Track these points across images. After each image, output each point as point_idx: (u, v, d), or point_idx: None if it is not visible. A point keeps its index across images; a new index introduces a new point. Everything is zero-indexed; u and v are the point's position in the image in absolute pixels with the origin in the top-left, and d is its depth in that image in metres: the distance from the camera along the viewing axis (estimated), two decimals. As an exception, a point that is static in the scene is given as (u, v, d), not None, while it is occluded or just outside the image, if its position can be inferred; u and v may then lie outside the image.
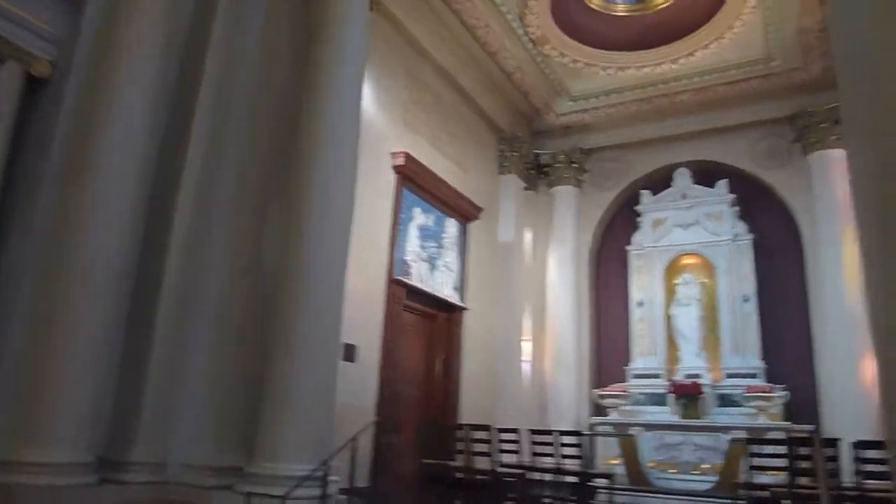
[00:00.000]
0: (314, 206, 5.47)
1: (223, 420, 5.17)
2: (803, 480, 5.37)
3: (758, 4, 7.85)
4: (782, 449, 5.49)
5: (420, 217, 8.39)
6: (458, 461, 6.67)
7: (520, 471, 6.27)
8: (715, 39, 8.55)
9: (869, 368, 8.31)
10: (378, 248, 7.55)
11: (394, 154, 7.89)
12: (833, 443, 5.35)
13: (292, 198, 5.56)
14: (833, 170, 9.14)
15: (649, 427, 8.83)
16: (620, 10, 8.56)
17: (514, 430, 6.72)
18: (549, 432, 6.95)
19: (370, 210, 7.27)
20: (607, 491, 6.50)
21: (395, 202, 7.92)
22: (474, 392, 9.06)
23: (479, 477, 6.31)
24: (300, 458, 4.87)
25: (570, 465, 6.73)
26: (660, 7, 8.36)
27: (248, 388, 5.25)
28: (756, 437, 7.87)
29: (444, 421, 8.21)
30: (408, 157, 7.96)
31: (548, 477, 6.73)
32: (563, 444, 6.78)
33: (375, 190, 7.47)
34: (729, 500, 6.35)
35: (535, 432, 7.08)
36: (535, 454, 7.00)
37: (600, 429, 9.06)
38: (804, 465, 5.32)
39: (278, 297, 5.32)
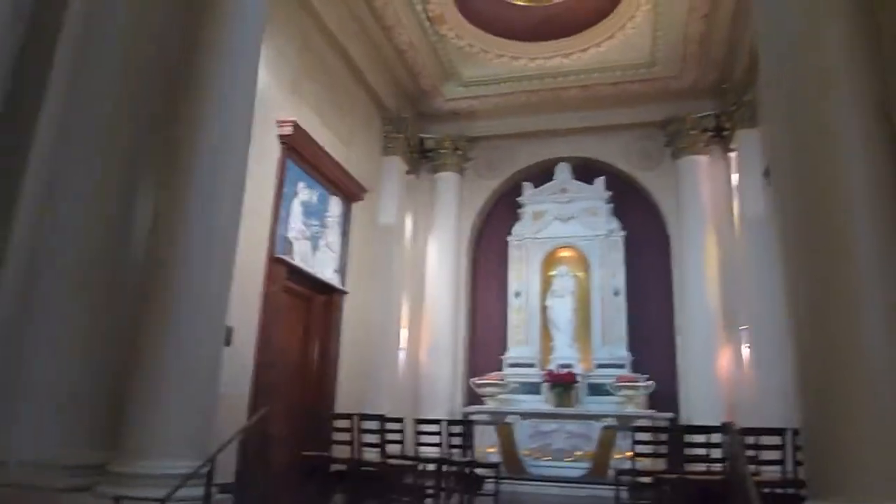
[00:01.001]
0: (203, 170, 4.83)
1: (80, 411, 4.38)
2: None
3: (651, 9, 8.11)
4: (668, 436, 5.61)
5: (304, 192, 7.82)
6: (338, 452, 6.28)
7: (408, 461, 5.99)
8: (607, 38, 8.76)
9: (723, 360, 8.98)
10: (259, 222, 6.91)
11: (281, 122, 7.26)
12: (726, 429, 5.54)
13: (175, 158, 4.87)
14: (699, 175, 9.76)
15: (525, 415, 8.93)
16: (519, 0, 8.52)
17: (398, 420, 6.43)
18: (436, 421, 6.74)
19: (251, 180, 6.55)
20: (493, 480, 6.40)
21: (279, 174, 7.30)
22: (348, 379, 8.64)
23: (364, 468, 5.96)
24: (180, 453, 4.26)
25: (457, 454, 6.58)
26: (556, 1, 8.41)
27: (113, 373, 4.52)
28: (626, 425, 8.25)
29: (320, 409, 7.75)
30: (296, 127, 7.36)
31: (431, 467, 6.51)
32: (451, 434, 6.61)
33: (258, 158, 6.75)
34: (611, 486, 6.49)
35: (420, 421, 6.85)
36: (420, 444, 6.77)
37: (476, 418, 9.01)
38: (695, 452, 5.52)
39: (155, 271, 4.63)
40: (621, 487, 6.03)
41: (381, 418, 6.06)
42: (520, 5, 8.51)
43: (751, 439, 5.49)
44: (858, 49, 3.84)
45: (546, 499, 7.02)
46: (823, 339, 3.51)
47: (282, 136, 7.28)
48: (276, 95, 7.30)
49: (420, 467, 6.12)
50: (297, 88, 7.76)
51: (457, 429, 6.67)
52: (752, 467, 5.17)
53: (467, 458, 6.42)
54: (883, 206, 3.53)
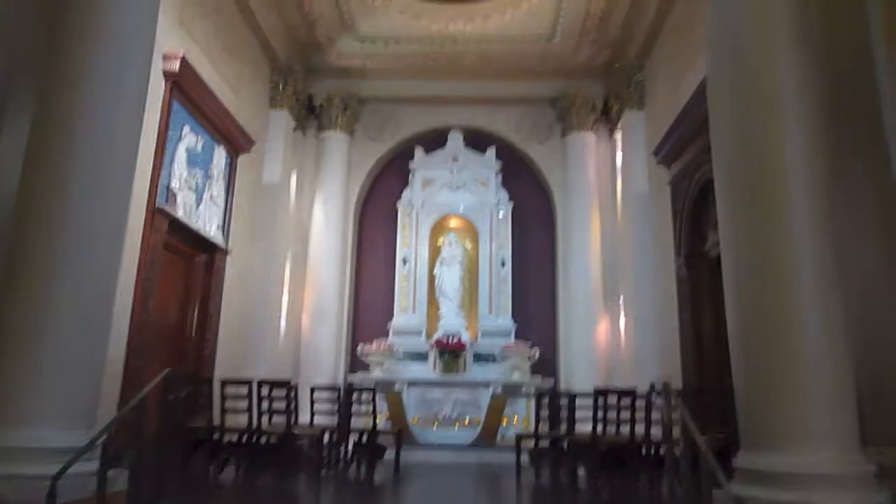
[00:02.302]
0: (88, 100, 4.20)
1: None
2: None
3: (558, -21, 8.14)
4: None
5: (189, 138, 7.05)
6: (228, 421, 5.79)
7: (312, 431, 5.65)
8: (512, 6, 8.69)
9: (602, 329, 9.42)
10: (140, 166, 6.10)
11: (167, 56, 6.46)
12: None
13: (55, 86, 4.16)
14: (586, 153, 10.08)
15: (412, 383, 8.82)
16: (429, -45, 8.22)
17: (285, 384, 5.98)
18: (334, 388, 6.43)
19: (132, 118, 5.81)
20: (393, 448, 6.23)
21: (162, 114, 6.50)
22: (226, 343, 8.03)
23: (262, 439, 5.54)
24: (68, 424, 3.66)
25: (356, 423, 6.34)
26: (467, -39, 8.21)
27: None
28: (511, 392, 8.43)
29: (197, 374, 7.12)
30: (184, 63, 6.59)
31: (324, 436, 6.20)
32: (350, 402, 6.34)
33: (140, 94, 6.00)
34: (506, 451, 6.56)
35: (316, 389, 6.50)
36: (315, 412, 6.44)
37: (363, 386, 8.76)
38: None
39: (32, 217, 3.95)
40: (522, 453, 6.10)
41: (286, 384, 5.63)
42: (429, -39, 8.21)
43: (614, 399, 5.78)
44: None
45: (440, 466, 6.97)
46: (757, 302, 3.68)
47: (167, 72, 6.48)
48: (162, 24, 6.46)
49: (321, 437, 5.78)
50: (184, 21, 6.95)
51: (355, 396, 6.39)
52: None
53: (370, 427, 6.19)
54: (814, 172, 3.74)
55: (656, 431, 5.55)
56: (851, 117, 4.24)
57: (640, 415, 5.62)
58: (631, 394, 5.52)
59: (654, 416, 5.41)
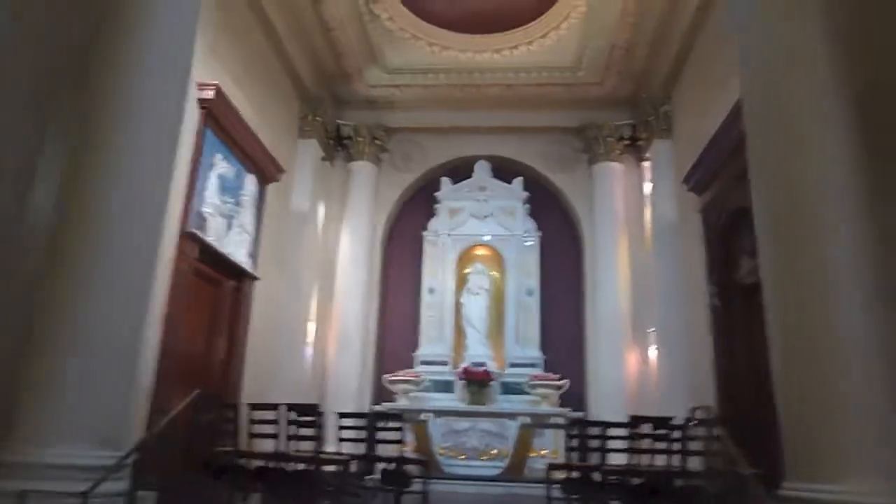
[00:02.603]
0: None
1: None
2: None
3: (585, 11, 8.21)
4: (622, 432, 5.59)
5: (222, 165, 7.16)
6: (254, 446, 5.73)
7: (340, 458, 5.56)
8: (539, 37, 8.79)
9: (631, 361, 9.24)
10: (172, 192, 6.18)
11: (202, 85, 6.60)
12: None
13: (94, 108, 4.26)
14: (614, 182, 10.03)
15: (438, 413, 8.69)
16: (457, -11, 8.37)
17: (314, 408, 5.92)
18: (362, 415, 6.34)
19: (167, 145, 5.92)
20: (420, 479, 6.10)
21: (196, 142, 6.62)
22: (251, 372, 8.01)
23: (288, 466, 5.46)
24: (96, 440, 3.64)
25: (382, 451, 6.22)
26: (496, -7, 8.35)
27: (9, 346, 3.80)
28: (541, 422, 8.26)
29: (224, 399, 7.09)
30: (218, 91, 6.73)
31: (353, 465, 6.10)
32: (377, 429, 6.23)
33: (175, 122, 6.11)
34: (536, 484, 6.39)
35: (343, 415, 6.41)
36: (342, 439, 6.34)
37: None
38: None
39: (67, 239, 4.01)
40: (553, 485, 5.92)
41: (315, 409, 5.57)
42: (456, -6, 8.36)
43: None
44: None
45: (467, 497, 6.81)
46: (801, 328, 3.55)
47: (202, 101, 6.62)
48: (195, 55, 6.62)
49: (347, 464, 5.68)
50: (217, 52, 7.11)
51: (383, 423, 6.29)
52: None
53: (398, 455, 6.07)
54: (857, 195, 3.65)
55: (692, 462, 5.39)
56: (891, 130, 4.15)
57: (674, 445, 5.47)
58: (667, 422, 5.35)
59: (691, 446, 5.24)
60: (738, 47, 4.60)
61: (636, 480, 5.41)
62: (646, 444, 5.47)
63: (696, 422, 4.59)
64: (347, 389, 9.34)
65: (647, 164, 9.75)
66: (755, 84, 4.30)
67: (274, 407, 5.54)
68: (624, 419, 8.25)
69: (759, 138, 4.26)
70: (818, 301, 3.51)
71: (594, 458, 5.94)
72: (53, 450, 3.48)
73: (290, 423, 5.57)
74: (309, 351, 9.35)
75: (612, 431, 5.84)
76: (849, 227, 3.59)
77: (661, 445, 5.46)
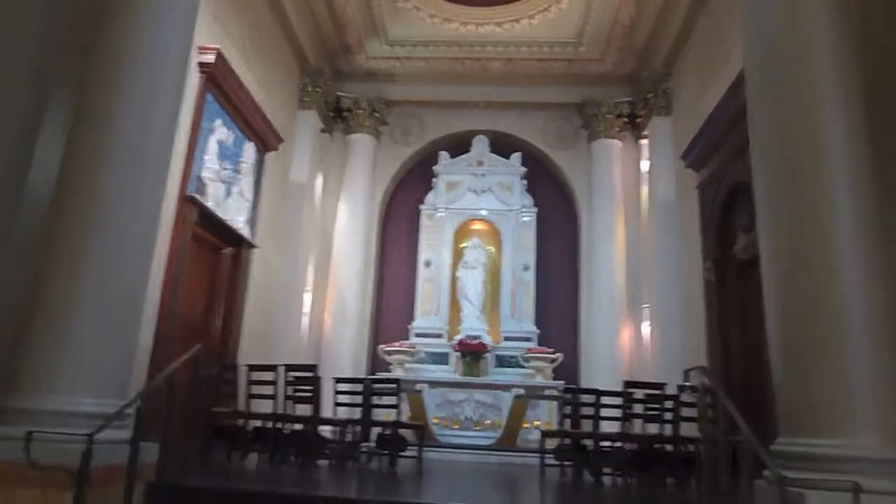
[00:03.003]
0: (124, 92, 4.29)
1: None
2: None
3: (589, -15, 8.20)
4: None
5: (221, 131, 7.14)
6: (250, 407, 5.79)
7: (337, 420, 5.63)
8: (541, 11, 8.76)
9: (625, 336, 9.33)
10: (173, 155, 6.17)
11: (203, 49, 6.57)
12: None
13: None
14: (613, 159, 10.06)
15: (433, 384, 8.77)
16: (461, -41, 8.32)
17: (311, 368, 5.96)
18: (359, 380, 6.41)
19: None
20: (416, 445, 6.18)
21: (196, 105, 6.60)
22: (247, 339, 8.05)
23: (286, 428, 5.53)
24: (99, 389, 3.68)
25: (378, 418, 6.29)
26: (498, -34, 8.31)
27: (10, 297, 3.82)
28: (535, 394, 8.35)
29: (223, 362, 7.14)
30: (220, 56, 6.70)
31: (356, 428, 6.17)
32: (374, 394, 6.29)
33: (176, 85, 6.08)
34: (531, 454, 6.48)
35: (340, 380, 6.47)
36: (338, 404, 6.40)
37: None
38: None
39: (71, 195, 4.03)
40: (546, 454, 6.01)
41: (313, 369, 5.63)
42: (459, -35, 8.32)
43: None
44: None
45: (461, 465, 6.90)
46: (797, 288, 3.61)
47: (203, 65, 6.59)
48: (198, 19, 6.57)
49: (345, 426, 5.76)
50: (219, 17, 7.06)
51: (380, 388, 6.36)
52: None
53: (394, 419, 6.15)
54: (858, 161, 3.69)
55: (686, 429, 5.48)
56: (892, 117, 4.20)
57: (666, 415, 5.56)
58: (660, 388, 5.44)
59: (684, 412, 5.33)
60: (742, 17, 4.61)
61: (629, 447, 5.52)
62: (639, 410, 5.55)
63: (690, 384, 4.66)
64: (343, 360, 9.39)
65: (644, 141, 9.77)
66: (757, 54, 4.32)
67: (272, 368, 5.59)
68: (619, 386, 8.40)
69: (760, 110, 4.28)
70: (816, 268, 3.57)
71: (587, 428, 6.03)
72: (58, 397, 3.53)
73: (288, 383, 5.62)
74: (305, 321, 9.39)
75: (605, 400, 5.92)
76: (848, 192, 3.64)
77: (654, 413, 5.55)
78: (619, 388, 8.47)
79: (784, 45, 4.08)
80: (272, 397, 5.55)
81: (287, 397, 5.63)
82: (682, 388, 5.32)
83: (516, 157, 10.37)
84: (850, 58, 3.94)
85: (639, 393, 5.56)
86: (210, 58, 6.58)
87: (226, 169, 7.29)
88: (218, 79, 6.82)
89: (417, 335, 9.57)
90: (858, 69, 4.00)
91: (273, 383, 5.53)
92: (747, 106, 4.53)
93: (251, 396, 5.64)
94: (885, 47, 4.38)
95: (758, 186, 4.24)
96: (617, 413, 5.81)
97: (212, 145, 6.93)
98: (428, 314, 9.74)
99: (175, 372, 3.95)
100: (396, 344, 9.24)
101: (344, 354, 9.45)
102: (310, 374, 5.61)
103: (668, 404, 5.65)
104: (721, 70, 7.24)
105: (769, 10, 4.25)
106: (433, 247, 10.08)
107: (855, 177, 3.69)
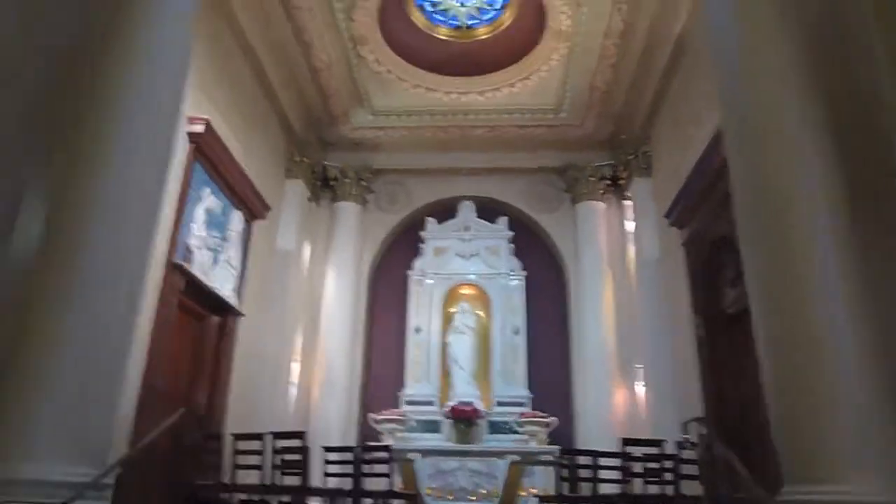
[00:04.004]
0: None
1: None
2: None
3: (566, 53, 8.51)
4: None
5: (209, 200, 7.17)
6: (236, 479, 5.56)
7: (327, 491, 5.42)
8: (522, 79, 9.05)
9: (619, 398, 9.18)
10: (160, 222, 6.17)
11: (192, 119, 6.68)
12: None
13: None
14: (597, 221, 10.19)
15: (426, 453, 8.52)
16: (442, 33, 8.64)
17: (299, 435, 5.77)
18: (349, 449, 6.21)
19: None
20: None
21: (185, 175, 6.65)
22: (235, 411, 7.82)
23: (274, 501, 5.30)
24: (74, 460, 3.53)
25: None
26: (479, 38, 8.63)
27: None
28: (531, 460, 8.13)
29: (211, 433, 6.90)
30: (208, 126, 6.81)
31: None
32: (364, 462, 6.08)
33: (163, 155, 6.15)
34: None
35: (329, 450, 6.26)
36: (328, 474, 6.17)
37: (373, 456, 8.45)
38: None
39: (52, 260, 3.99)
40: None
41: (301, 436, 5.45)
42: (442, 38, 8.63)
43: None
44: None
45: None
46: (788, 338, 3.61)
47: (191, 134, 6.69)
48: (186, 93, 6.72)
49: (335, 497, 5.53)
50: (207, 91, 7.22)
51: (371, 457, 6.16)
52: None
53: (387, 489, 5.92)
54: (837, 206, 3.75)
55: (687, 488, 5.32)
56: (865, 163, 4.31)
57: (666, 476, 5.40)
58: (658, 444, 5.30)
59: (684, 470, 5.19)
60: (714, 79, 4.79)
61: (630, 508, 5.33)
62: (638, 470, 5.39)
63: (688, 437, 4.55)
64: (332, 430, 9.13)
65: (628, 203, 9.93)
66: (734, 109, 4.46)
67: (259, 437, 5.41)
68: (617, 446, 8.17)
69: (739, 166, 4.38)
70: (807, 313, 3.57)
71: (586, 492, 5.83)
72: (31, 465, 3.37)
73: (276, 452, 5.43)
74: (293, 391, 9.19)
75: (604, 461, 5.76)
76: (830, 238, 3.69)
77: (653, 472, 5.39)
78: (616, 449, 8.35)
79: (754, 103, 4.22)
80: (259, 468, 5.34)
81: (275, 467, 5.42)
82: (681, 445, 5.19)
83: (503, 221, 10.47)
84: (823, 111, 4.07)
85: (637, 451, 5.41)
86: (199, 128, 6.69)
87: (213, 237, 7.28)
88: (206, 149, 6.91)
89: (408, 403, 9.36)
90: (826, 120, 4.14)
91: (260, 453, 5.34)
92: (728, 162, 4.63)
93: (237, 467, 5.43)
94: (855, 92, 4.53)
95: (743, 242, 4.29)
96: (616, 475, 5.64)
97: (199, 214, 6.95)
98: (418, 381, 9.57)
99: (157, 440, 3.80)
100: (387, 412, 9.02)
101: (333, 424, 9.20)
102: (298, 444, 5.42)
103: (668, 463, 5.50)
104: (698, 130, 7.45)
105: (738, 70, 4.42)
106: (422, 313, 10.00)
107: (836, 220, 3.75)
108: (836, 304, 3.52)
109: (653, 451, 5.40)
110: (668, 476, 5.41)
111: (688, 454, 5.10)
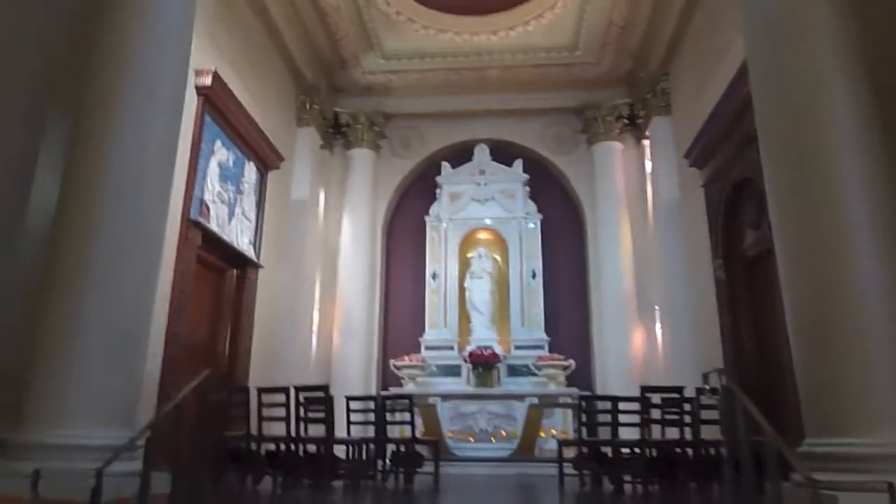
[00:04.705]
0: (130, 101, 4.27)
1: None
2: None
3: (582, -12, 8.16)
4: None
5: (221, 152, 7.10)
6: (263, 430, 5.71)
7: (351, 440, 5.54)
8: (535, 17, 8.71)
9: (637, 340, 9.22)
10: (174, 179, 6.13)
11: (199, 71, 6.53)
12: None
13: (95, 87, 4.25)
14: (614, 161, 9.99)
15: (446, 397, 8.68)
16: (452, -30, 8.31)
17: (323, 389, 5.87)
18: (371, 398, 6.33)
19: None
20: (431, 460, 6.09)
21: (195, 129, 6.56)
22: (256, 360, 7.96)
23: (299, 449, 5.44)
24: (107, 421, 3.62)
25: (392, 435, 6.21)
26: (490, -26, 8.29)
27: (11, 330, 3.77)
28: (550, 402, 8.25)
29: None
30: (216, 77, 6.67)
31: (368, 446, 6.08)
32: (386, 411, 6.22)
33: (173, 108, 6.05)
34: (548, 463, 6.37)
35: (352, 399, 6.39)
36: (351, 423, 6.32)
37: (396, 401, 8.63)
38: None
39: (72, 225, 3.98)
40: (564, 463, 5.91)
41: (324, 389, 5.55)
42: (450, -24, 8.30)
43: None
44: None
45: (479, 478, 6.80)
46: (815, 281, 3.54)
47: (199, 87, 6.56)
48: (193, 42, 6.54)
49: (359, 446, 5.67)
50: (214, 39, 7.04)
51: (390, 407, 6.28)
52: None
53: (408, 435, 6.06)
54: (870, 145, 3.62)
55: (706, 433, 5.38)
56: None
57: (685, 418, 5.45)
58: (678, 391, 5.34)
59: (703, 414, 5.23)
60: (741, 7, 4.56)
61: (649, 453, 5.41)
62: (657, 416, 5.45)
63: (708, 387, 4.57)
64: (353, 376, 9.30)
65: (646, 142, 9.71)
66: (759, 44, 4.26)
67: (283, 390, 5.51)
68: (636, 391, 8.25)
69: (766, 101, 4.22)
70: (834, 262, 3.49)
71: (605, 435, 5.93)
72: (65, 430, 3.47)
73: (300, 405, 5.54)
74: (314, 338, 9.32)
75: (623, 406, 5.82)
76: (860, 175, 3.57)
77: (672, 417, 5.44)
78: (634, 393, 8.41)
79: (786, 31, 4.02)
80: (285, 419, 5.47)
81: (299, 418, 5.54)
82: (700, 391, 5.22)
83: (518, 164, 10.31)
84: (854, 39, 3.88)
85: (656, 398, 5.46)
86: (206, 80, 6.55)
87: (228, 190, 7.25)
88: (215, 100, 6.79)
89: (428, 348, 9.49)
90: (862, 51, 3.94)
91: (285, 405, 5.45)
92: (753, 98, 4.46)
93: (263, 419, 5.56)
94: (887, 26, 4.30)
95: (768, 179, 4.17)
96: (635, 419, 5.70)
97: (213, 167, 6.89)
98: (437, 326, 9.66)
99: (184, 399, 3.88)
100: (407, 358, 9.16)
101: (354, 370, 9.36)
102: (321, 395, 5.52)
103: (687, 407, 5.55)
104: (720, 65, 7.18)
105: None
106: (439, 258, 10.01)
107: (868, 159, 3.63)
108: (869, 254, 3.44)
109: (673, 397, 5.41)
110: (688, 420, 5.47)
111: (706, 400, 5.13)
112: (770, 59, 4.15)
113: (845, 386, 3.24)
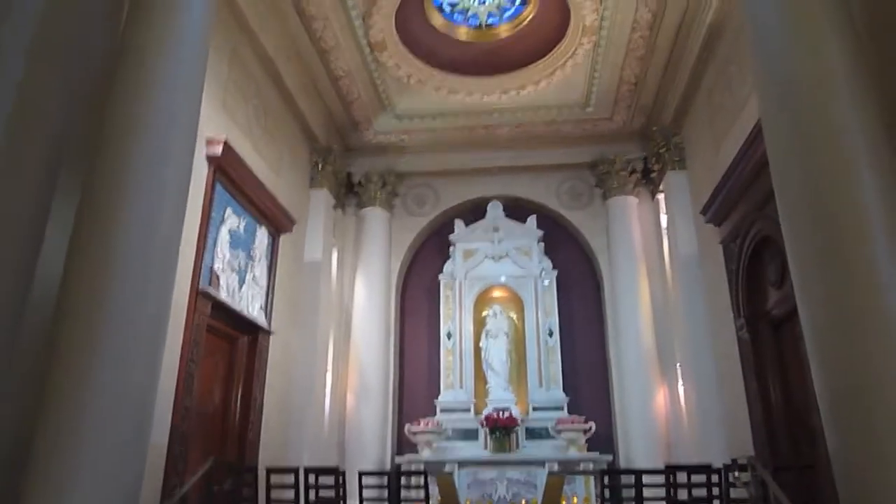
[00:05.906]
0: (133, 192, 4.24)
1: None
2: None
3: (591, 48, 8.18)
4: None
5: (232, 220, 7.09)
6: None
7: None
8: (546, 76, 8.74)
9: (660, 399, 8.92)
10: (183, 249, 6.11)
11: (210, 141, 6.57)
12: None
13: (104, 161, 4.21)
14: (629, 215, 9.87)
15: (462, 464, 8.40)
16: (462, 34, 8.39)
17: (333, 471, 5.72)
18: (383, 473, 6.11)
19: (177, 202, 5.85)
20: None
21: (206, 197, 6.55)
22: (268, 427, 7.78)
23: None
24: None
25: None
26: (500, 37, 8.35)
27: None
28: (569, 469, 7.94)
29: (241, 462, 6.87)
30: (227, 146, 6.69)
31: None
32: (400, 486, 5.99)
33: (184, 179, 6.06)
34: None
35: (364, 474, 6.17)
36: (365, 499, 6.09)
37: (412, 468, 8.37)
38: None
39: (76, 301, 3.91)
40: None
41: (335, 471, 5.36)
42: (462, 41, 8.37)
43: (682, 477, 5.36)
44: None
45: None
46: (843, 344, 3.35)
47: (210, 156, 6.58)
48: (204, 108, 6.60)
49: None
50: (226, 106, 7.11)
51: (405, 480, 6.05)
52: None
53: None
54: (890, 197, 3.47)
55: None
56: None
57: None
58: (706, 470, 5.07)
59: (732, 494, 4.95)
60: (753, 66, 4.47)
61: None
62: (683, 495, 5.17)
63: (739, 477, 4.31)
64: (368, 440, 9.08)
65: (661, 196, 9.59)
66: (773, 103, 4.14)
67: (293, 471, 5.33)
68: (656, 460, 7.92)
69: (783, 161, 4.08)
70: (862, 325, 3.30)
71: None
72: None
73: (309, 487, 5.34)
74: (327, 401, 9.13)
75: (647, 479, 5.55)
76: (887, 238, 3.40)
77: (700, 494, 5.16)
78: (659, 454, 8.10)
79: (802, 89, 3.90)
80: (295, 502, 5.27)
81: (308, 501, 5.34)
82: (731, 484, 4.91)
83: (532, 220, 10.22)
84: (870, 95, 3.76)
85: (682, 475, 5.19)
86: (217, 149, 6.57)
87: (238, 257, 7.21)
88: (226, 168, 6.81)
89: (443, 410, 9.25)
90: (879, 106, 3.82)
91: (294, 486, 5.26)
92: (769, 157, 4.33)
93: (270, 501, 5.36)
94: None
95: (789, 246, 3.99)
96: (661, 493, 5.42)
97: (223, 235, 6.87)
98: (453, 387, 9.44)
99: (189, 491, 3.72)
100: (422, 422, 8.90)
101: (369, 436, 9.13)
102: (332, 474, 5.33)
103: (715, 480, 5.26)
104: (736, 121, 7.11)
105: (782, 55, 4.09)
106: (454, 317, 9.84)
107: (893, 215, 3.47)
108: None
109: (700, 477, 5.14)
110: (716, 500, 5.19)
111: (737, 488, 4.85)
112: (785, 118, 4.02)
113: (880, 454, 3.01)
